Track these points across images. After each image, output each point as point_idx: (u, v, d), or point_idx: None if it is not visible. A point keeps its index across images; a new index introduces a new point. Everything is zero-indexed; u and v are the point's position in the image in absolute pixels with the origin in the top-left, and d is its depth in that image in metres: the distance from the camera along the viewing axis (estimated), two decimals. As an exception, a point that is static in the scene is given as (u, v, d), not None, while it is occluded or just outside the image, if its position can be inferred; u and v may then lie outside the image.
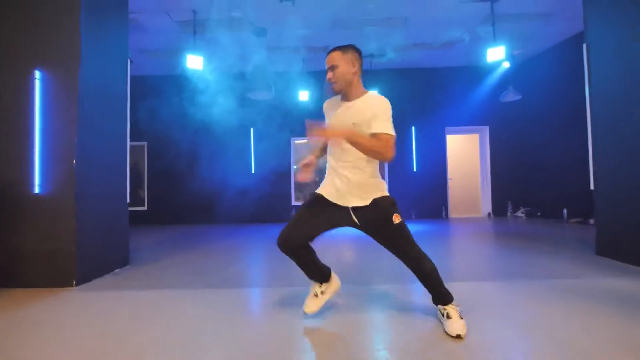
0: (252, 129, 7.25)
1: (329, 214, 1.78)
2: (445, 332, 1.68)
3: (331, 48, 1.79)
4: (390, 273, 2.93)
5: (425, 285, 1.81)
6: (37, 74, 2.73)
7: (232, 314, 2.04)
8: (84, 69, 2.81)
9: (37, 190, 2.66)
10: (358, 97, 1.77)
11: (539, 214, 7.27)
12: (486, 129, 7.71)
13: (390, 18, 5.37)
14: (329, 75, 1.76)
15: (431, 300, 1.84)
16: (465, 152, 8.33)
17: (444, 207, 7.45)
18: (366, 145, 1.59)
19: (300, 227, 1.74)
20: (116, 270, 3.19)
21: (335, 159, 1.79)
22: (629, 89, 3.01)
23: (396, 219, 1.73)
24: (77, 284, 2.66)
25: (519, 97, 6.46)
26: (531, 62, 7.16)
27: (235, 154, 7.22)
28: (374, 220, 1.76)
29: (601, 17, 3.32)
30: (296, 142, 7.52)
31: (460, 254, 3.89)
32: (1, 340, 1.74)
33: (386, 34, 5.61)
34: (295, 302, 2.18)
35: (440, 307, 1.78)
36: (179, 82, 6.41)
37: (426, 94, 7.52)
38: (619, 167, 3.15)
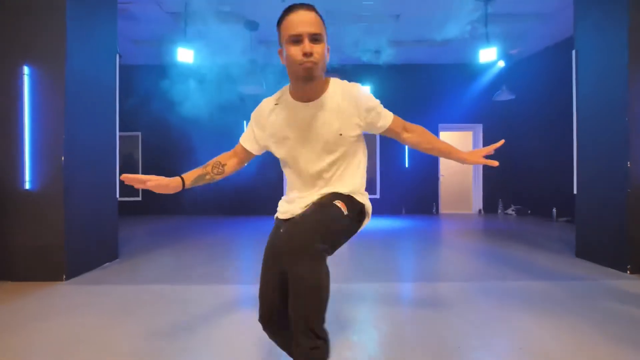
0: (244, 122, 7.25)
1: None
2: None
3: (302, 2, 1.12)
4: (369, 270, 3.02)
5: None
6: (26, 69, 2.74)
7: (207, 311, 2.12)
8: (71, 63, 2.82)
9: (27, 186, 2.71)
10: (322, 91, 1.20)
11: (529, 212, 7.38)
12: (480, 127, 7.75)
13: (381, 15, 5.35)
14: (311, 48, 1.07)
15: None
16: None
17: (434, 203, 7.55)
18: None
19: None
20: (105, 264, 3.26)
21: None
22: (611, 98, 3.07)
23: None
24: (67, 278, 2.73)
25: (512, 97, 6.49)
26: (525, 62, 7.15)
27: (227, 146, 7.22)
28: None
29: (590, 26, 3.34)
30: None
31: (441, 253, 3.99)
32: (-10, 335, 1.82)
33: (378, 31, 5.59)
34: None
35: None
36: (172, 72, 6.38)
37: (420, 91, 7.53)
38: (600, 174, 3.22)
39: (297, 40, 1.07)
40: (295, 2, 1.14)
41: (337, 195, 1.18)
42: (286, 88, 1.25)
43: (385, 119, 1.28)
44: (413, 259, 3.62)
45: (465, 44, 6.16)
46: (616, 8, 3.01)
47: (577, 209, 3.49)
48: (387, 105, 1.27)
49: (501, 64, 6.73)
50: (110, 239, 3.40)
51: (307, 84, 1.14)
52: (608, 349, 1.64)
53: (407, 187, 7.45)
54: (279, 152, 1.28)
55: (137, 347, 1.69)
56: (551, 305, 2.21)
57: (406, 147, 7.54)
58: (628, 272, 2.89)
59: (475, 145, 7.99)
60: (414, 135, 1.34)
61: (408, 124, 1.34)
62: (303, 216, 1.09)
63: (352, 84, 1.24)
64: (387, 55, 6.07)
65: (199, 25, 5.38)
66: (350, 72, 7.08)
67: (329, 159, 1.21)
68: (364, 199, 1.27)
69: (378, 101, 1.26)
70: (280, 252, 1.03)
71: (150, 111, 6.70)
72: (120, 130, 3.61)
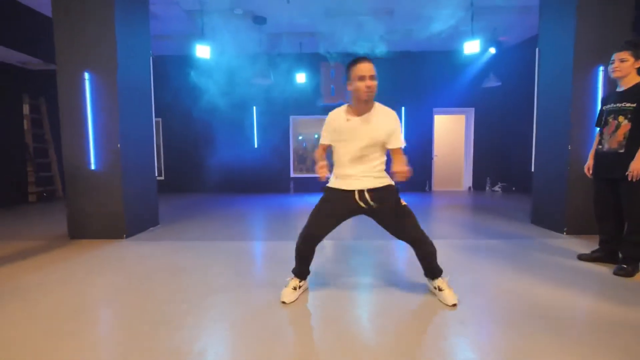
0: (254, 107, 7.93)
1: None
2: (440, 301, 2.00)
3: (365, 56, 1.81)
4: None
5: (421, 261, 2.06)
6: (86, 75, 3.47)
7: (235, 260, 2.94)
8: (120, 71, 3.55)
9: (93, 167, 3.50)
10: (370, 110, 1.89)
11: (513, 188, 8.08)
12: (472, 111, 8.32)
13: (376, 9, 5.87)
14: (370, 84, 1.76)
15: (423, 274, 2.12)
16: (451, 131, 8.99)
17: (427, 181, 8.26)
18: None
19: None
20: (151, 228, 4.10)
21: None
22: (561, 94, 3.70)
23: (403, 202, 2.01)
24: (127, 237, 3.58)
25: (498, 83, 7.03)
26: (511, 51, 7.62)
27: (240, 130, 7.97)
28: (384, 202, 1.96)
29: (550, 30, 3.92)
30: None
31: (425, 221, 4.76)
32: (80, 272, 2.66)
33: (374, 24, 6.13)
34: (286, 253, 3.07)
35: (431, 281, 2.08)
36: (190, 63, 7.01)
37: (415, 78, 8.07)
38: (550, 155, 3.91)
39: (365, 77, 1.77)
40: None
41: (395, 192, 2.00)
42: (346, 105, 1.96)
43: (396, 144, 1.93)
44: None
45: (455, 34, 6.67)
46: (568, 17, 3.59)
47: (534, 184, 4.20)
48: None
49: (492, 50, 7.21)
50: (153, 209, 4.23)
51: (362, 104, 1.86)
52: (535, 281, 2.44)
53: (402, 166, 8.13)
54: (338, 144, 1.95)
55: (188, 283, 2.52)
56: (496, 255, 2.99)
57: (403, 129, 8.17)
58: (565, 233, 3.64)
59: (467, 127, 8.57)
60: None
61: (402, 157, 1.95)
62: (399, 215, 2.00)
63: (390, 110, 1.94)
64: (383, 46, 6.61)
65: (213, 22, 5.99)
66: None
67: (367, 152, 1.92)
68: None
69: (400, 129, 1.91)
70: (406, 238, 2.01)
71: (170, 99, 7.41)
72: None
